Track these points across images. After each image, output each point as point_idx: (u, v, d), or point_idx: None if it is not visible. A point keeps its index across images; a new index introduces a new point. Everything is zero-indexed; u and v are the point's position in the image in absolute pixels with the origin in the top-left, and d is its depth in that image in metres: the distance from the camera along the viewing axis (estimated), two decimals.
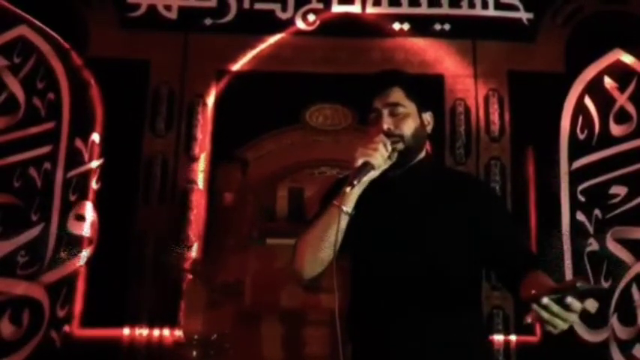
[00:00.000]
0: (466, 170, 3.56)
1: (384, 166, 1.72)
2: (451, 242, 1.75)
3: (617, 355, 3.45)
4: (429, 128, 1.88)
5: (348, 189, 1.65)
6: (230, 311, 3.46)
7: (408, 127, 1.78)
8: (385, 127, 1.76)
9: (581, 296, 1.27)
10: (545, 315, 1.28)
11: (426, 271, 1.72)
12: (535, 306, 1.29)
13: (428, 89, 1.97)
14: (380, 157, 1.69)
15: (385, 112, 1.78)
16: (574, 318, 1.29)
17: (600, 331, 3.47)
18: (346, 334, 1.75)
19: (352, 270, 1.82)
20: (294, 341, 3.49)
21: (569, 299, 1.26)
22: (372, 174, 1.69)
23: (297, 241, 1.80)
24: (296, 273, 1.79)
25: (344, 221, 1.69)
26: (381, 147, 1.69)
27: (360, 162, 1.67)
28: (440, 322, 1.70)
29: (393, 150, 1.74)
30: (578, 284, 1.26)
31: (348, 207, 1.70)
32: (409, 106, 1.81)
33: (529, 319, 1.31)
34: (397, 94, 1.80)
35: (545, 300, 1.27)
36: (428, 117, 1.87)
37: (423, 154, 1.87)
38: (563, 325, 1.30)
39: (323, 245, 1.70)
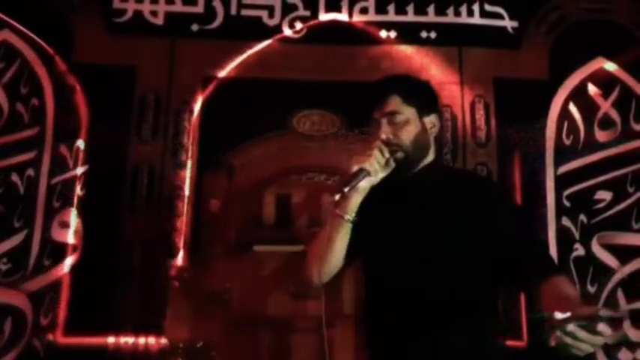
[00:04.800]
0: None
1: (383, 173, 1.71)
2: (463, 246, 1.70)
3: None
4: (434, 131, 1.84)
5: (337, 196, 1.65)
6: (217, 319, 3.42)
7: (407, 135, 1.76)
8: (383, 136, 1.74)
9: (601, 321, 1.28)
10: (568, 340, 1.29)
11: (438, 277, 1.68)
12: (559, 333, 1.30)
13: (428, 91, 1.93)
14: (375, 163, 1.68)
15: (384, 121, 1.77)
16: (601, 342, 1.29)
17: None
18: (363, 338, 1.76)
19: (365, 276, 1.79)
20: (281, 349, 3.47)
21: (601, 326, 1.27)
22: (370, 180, 1.68)
23: (306, 249, 1.80)
24: (306, 281, 1.79)
25: (346, 228, 1.68)
26: (376, 153, 1.69)
27: (354, 169, 1.67)
28: (456, 328, 1.65)
29: (393, 158, 1.72)
30: (601, 313, 1.27)
31: (349, 214, 1.69)
32: (408, 113, 1.78)
33: (553, 343, 1.32)
34: (394, 102, 1.78)
35: (571, 327, 1.28)
36: (432, 119, 1.83)
37: (430, 158, 1.84)
38: (589, 349, 1.31)
39: (329, 254, 1.71)
